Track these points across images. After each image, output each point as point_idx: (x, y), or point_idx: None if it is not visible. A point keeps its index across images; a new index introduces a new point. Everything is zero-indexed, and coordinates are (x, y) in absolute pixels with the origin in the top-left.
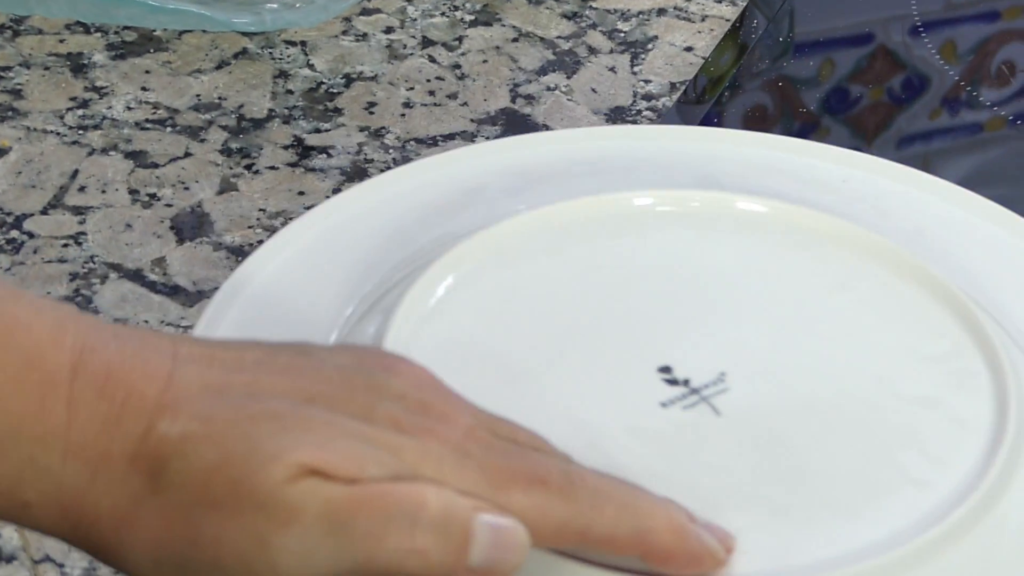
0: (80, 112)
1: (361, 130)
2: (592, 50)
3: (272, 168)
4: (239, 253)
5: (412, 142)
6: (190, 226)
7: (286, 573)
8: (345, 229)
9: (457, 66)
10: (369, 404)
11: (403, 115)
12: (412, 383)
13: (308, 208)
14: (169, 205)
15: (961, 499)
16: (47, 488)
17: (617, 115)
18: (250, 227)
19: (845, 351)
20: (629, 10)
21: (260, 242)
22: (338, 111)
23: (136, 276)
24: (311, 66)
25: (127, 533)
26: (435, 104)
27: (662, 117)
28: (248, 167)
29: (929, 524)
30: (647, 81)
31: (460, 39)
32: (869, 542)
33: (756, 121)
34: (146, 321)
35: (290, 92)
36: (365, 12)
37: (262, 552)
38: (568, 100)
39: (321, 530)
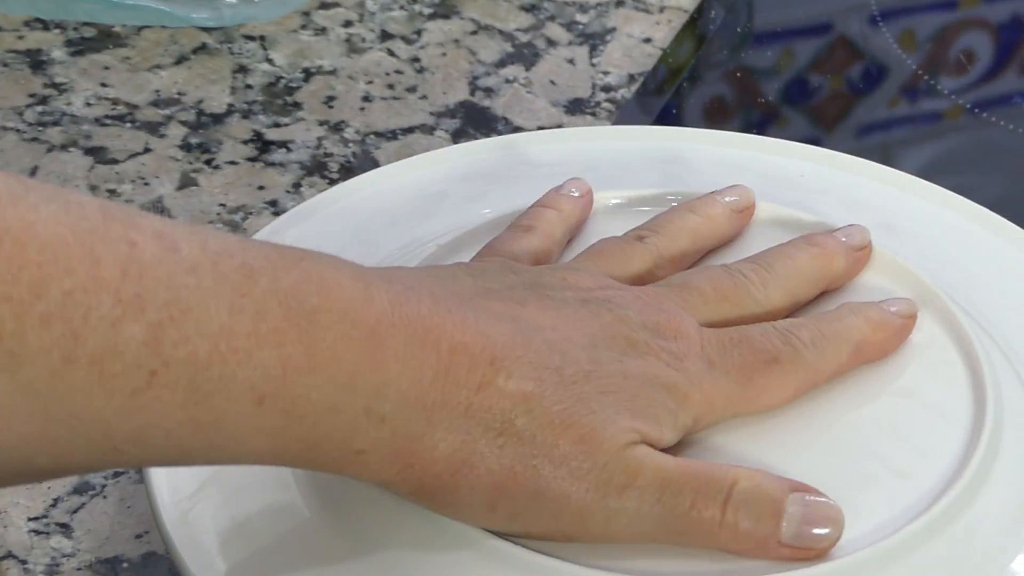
0: (39, 108)
1: (320, 124)
2: (551, 42)
3: (232, 163)
4: None
5: (372, 136)
6: None
7: (616, 531)
8: (309, 238)
9: (416, 59)
10: (628, 339)
11: (362, 109)
12: (632, 305)
13: (268, 202)
14: (129, 201)
15: (944, 490)
16: (382, 436)
17: (576, 107)
18: (210, 222)
19: None
20: (587, 2)
21: None
22: (297, 105)
23: None
24: (270, 61)
25: (466, 477)
26: (394, 98)
27: (621, 109)
28: (208, 162)
29: (914, 515)
30: (606, 73)
31: (419, 32)
32: (854, 534)
33: (715, 112)
34: None
35: (249, 87)
36: (323, 6)
37: (600, 509)
38: (527, 92)
39: (652, 496)
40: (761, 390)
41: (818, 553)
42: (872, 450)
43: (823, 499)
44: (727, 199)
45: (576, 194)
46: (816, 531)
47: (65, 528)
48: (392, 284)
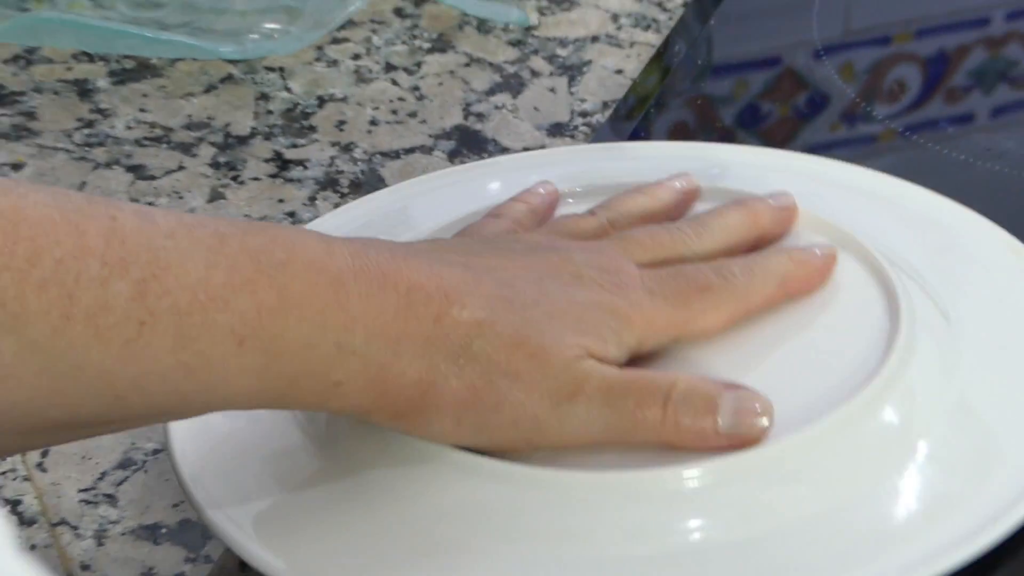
0: (86, 131)
1: (333, 145)
2: (535, 73)
3: (255, 179)
4: None
5: (378, 155)
6: None
7: (570, 434)
8: None
9: (416, 88)
10: (574, 274)
11: (369, 131)
12: (577, 250)
13: (288, 214)
14: None
15: (861, 386)
16: (355, 367)
17: (557, 130)
18: None
19: None
20: (567, 37)
21: None
22: (312, 128)
23: None
24: (288, 89)
25: (433, 398)
26: (397, 122)
27: (596, 132)
28: (234, 178)
29: (835, 405)
30: (583, 100)
31: (419, 64)
32: (783, 424)
33: (679, 135)
34: None
35: (270, 112)
36: (335, 41)
37: (554, 415)
38: (514, 117)
39: (600, 401)
40: (698, 313)
41: (753, 441)
42: (799, 358)
43: (754, 393)
44: (674, 183)
45: (543, 192)
46: (749, 421)
47: (111, 498)
48: (352, 243)
